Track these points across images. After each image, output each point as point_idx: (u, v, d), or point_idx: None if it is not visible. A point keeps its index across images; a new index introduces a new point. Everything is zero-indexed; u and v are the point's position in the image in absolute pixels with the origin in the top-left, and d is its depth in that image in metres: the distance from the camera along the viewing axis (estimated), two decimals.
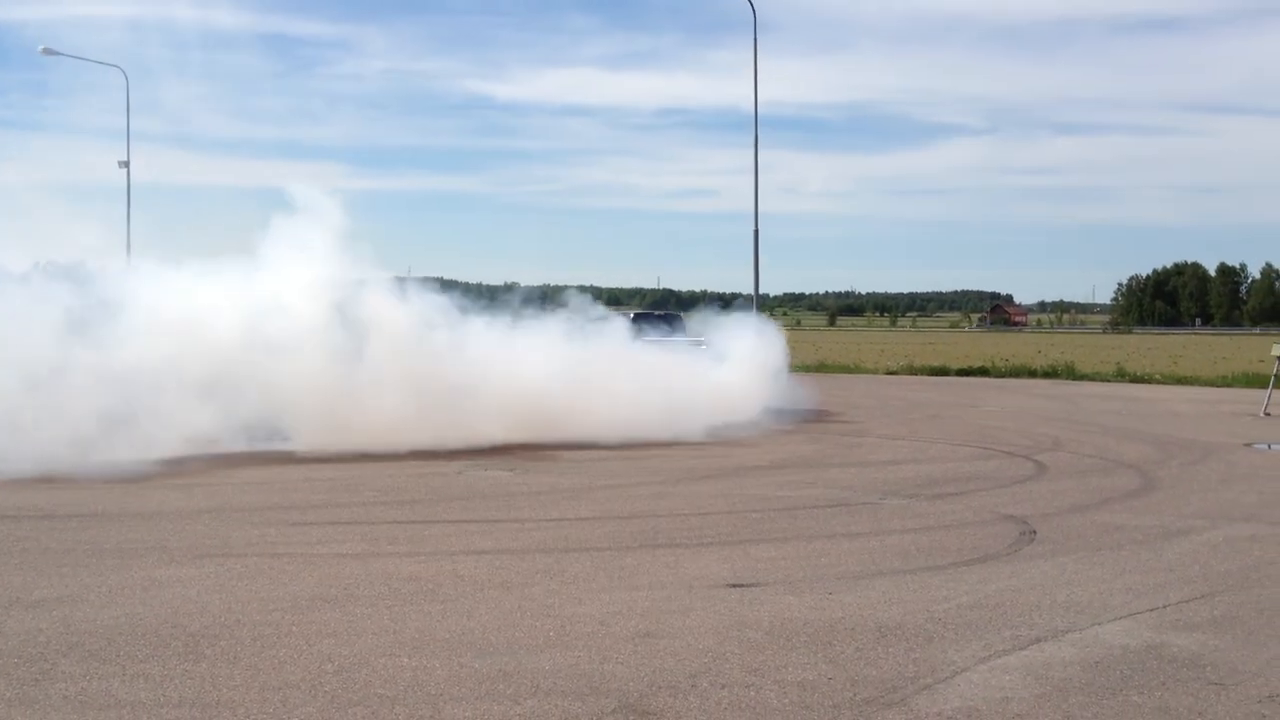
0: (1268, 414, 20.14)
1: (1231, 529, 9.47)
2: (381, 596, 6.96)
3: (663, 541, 8.80)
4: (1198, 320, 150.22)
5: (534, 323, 17.73)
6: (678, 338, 21.23)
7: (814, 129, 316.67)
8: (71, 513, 9.84)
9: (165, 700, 5.08)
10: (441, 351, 15.37)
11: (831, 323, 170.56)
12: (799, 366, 20.49)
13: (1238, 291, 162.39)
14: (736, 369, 18.47)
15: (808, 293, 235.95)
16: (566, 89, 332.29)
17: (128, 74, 41.09)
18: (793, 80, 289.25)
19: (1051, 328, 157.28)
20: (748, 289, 28.41)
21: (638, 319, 23.35)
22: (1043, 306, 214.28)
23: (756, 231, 28.27)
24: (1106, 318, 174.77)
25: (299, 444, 14.27)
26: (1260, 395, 21.78)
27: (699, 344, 20.03)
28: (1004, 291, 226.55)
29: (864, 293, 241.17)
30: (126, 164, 41.03)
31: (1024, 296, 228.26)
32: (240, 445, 14.34)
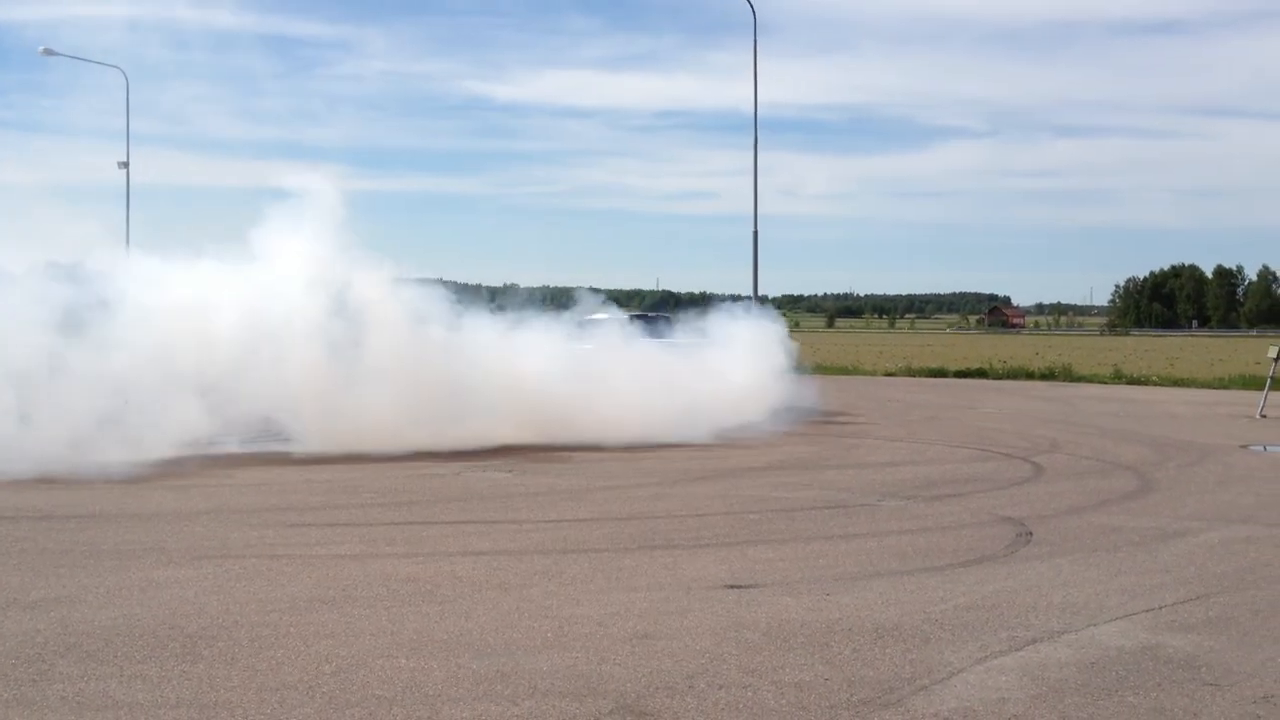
0: (1264, 416, 20.17)
1: (1228, 530, 9.49)
2: (379, 598, 6.97)
3: (660, 543, 8.81)
4: (1194, 322, 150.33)
5: (535, 322, 17.69)
6: (667, 339, 21.16)
7: (814, 131, 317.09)
8: (69, 514, 9.84)
9: (163, 701, 5.09)
10: (440, 350, 15.34)
11: (830, 324, 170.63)
12: (799, 368, 20.36)
13: (1235, 294, 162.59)
14: (739, 369, 18.42)
15: (806, 294, 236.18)
16: (566, 90, 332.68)
17: (127, 74, 41.11)
18: (793, 82, 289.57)
19: (1049, 329, 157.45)
20: (747, 291, 28.47)
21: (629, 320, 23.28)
22: (1040, 308, 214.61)
23: (756, 233, 28.32)
24: (1104, 320, 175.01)
25: (296, 444, 14.29)
26: (1256, 397, 21.81)
27: (690, 345, 19.97)
28: (1002, 293, 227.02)
29: (862, 294, 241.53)
30: (126, 164, 41.05)
31: (1022, 298, 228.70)
32: (238, 446, 14.37)
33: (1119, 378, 31.19)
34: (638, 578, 7.56)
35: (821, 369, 35.36)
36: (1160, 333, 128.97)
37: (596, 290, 22.39)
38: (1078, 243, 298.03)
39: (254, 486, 11.56)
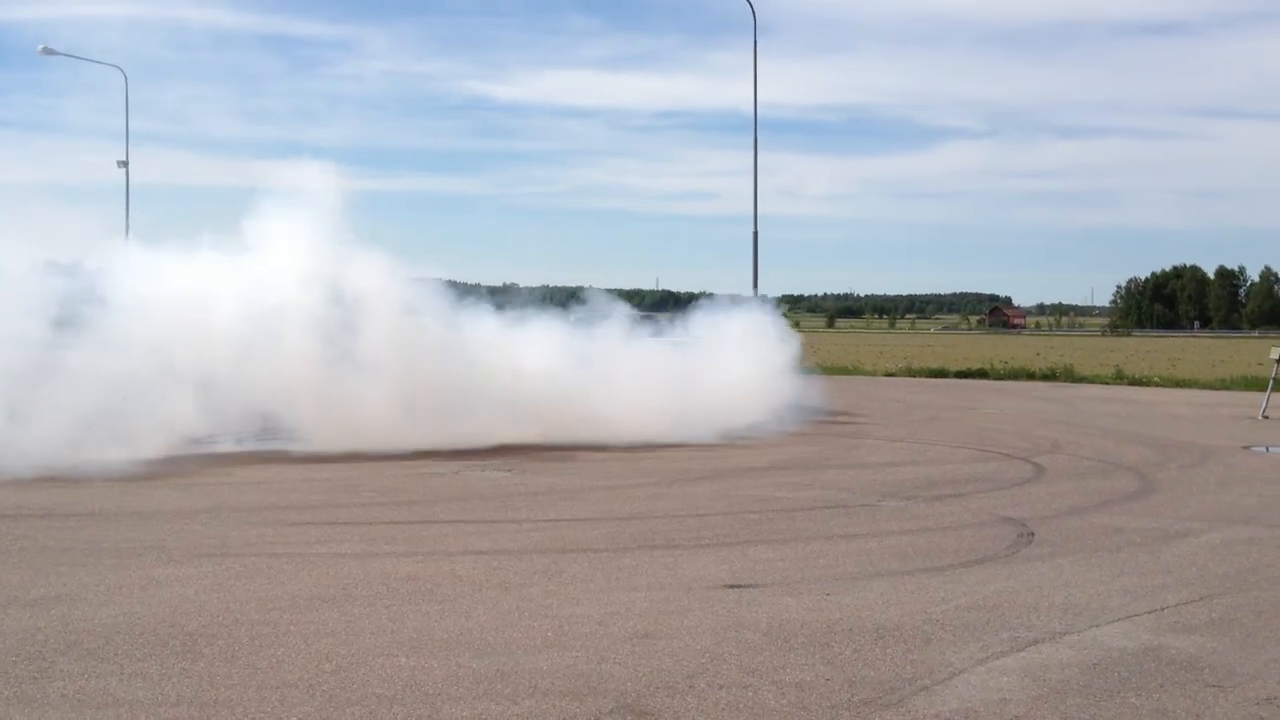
0: (1266, 417, 20.15)
1: (1230, 531, 9.47)
2: (379, 596, 6.96)
3: (660, 542, 8.80)
4: (1196, 323, 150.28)
5: (536, 321, 17.64)
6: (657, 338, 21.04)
7: (814, 131, 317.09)
8: (69, 512, 9.84)
9: (163, 699, 5.08)
10: (440, 345, 15.30)
11: (830, 325, 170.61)
12: (803, 367, 20.29)
13: (1236, 295, 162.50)
14: (739, 369, 18.37)
15: (807, 295, 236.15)
16: (566, 90, 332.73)
17: (127, 73, 41.14)
18: (793, 82, 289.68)
19: (1050, 330, 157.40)
20: (747, 291, 28.45)
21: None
22: (1041, 309, 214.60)
23: (756, 234, 28.33)
24: (1105, 320, 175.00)
25: (294, 440, 14.29)
26: (1259, 398, 21.79)
27: (680, 344, 19.86)
28: (1003, 294, 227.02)
29: (863, 295, 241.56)
30: (126, 164, 41.08)
31: (1023, 299, 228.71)
32: (238, 444, 14.36)
33: (1120, 378, 31.17)
34: (638, 577, 7.55)
35: (822, 369, 35.37)
36: (1162, 333, 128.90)
37: (598, 291, 22.29)
38: (1078, 243, 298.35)
39: (254, 485, 11.56)
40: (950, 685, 5.39)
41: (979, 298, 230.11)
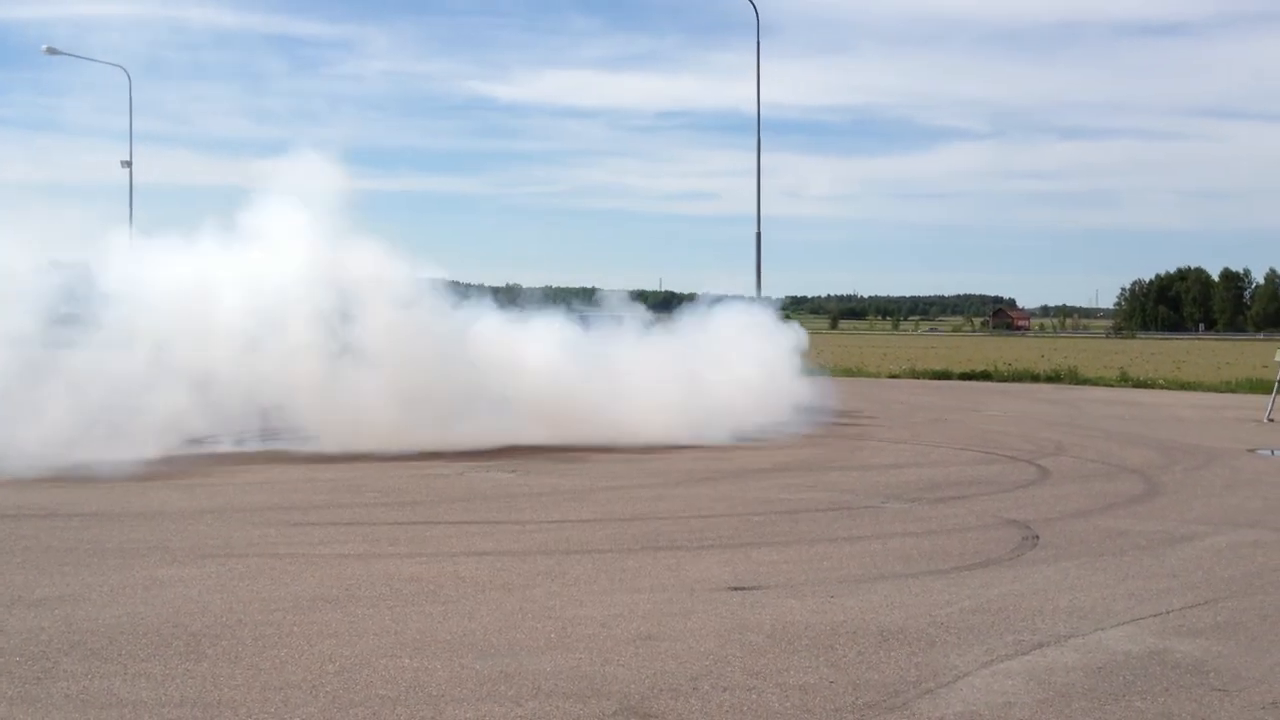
0: (1271, 420, 20.12)
1: (1235, 535, 9.45)
2: (383, 597, 6.96)
3: (664, 544, 8.79)
4: (1201, 325, 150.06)
5: (541, 320, 17.59)
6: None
7: (816, 132, 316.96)
8: (73, 512, 9.84)
9: (166, 699, 5.08)
10: (442, 341, 15.26)
11: (833, 326, 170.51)
12: (810, 368, 20.24)
13: (1241, 297, 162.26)
14: (743, 372, 18.31)
15: (810, 296, 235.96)
16: (567, 90, 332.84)
17: (130, 73, 41.20)
18: (795, 83, 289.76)
19: (1054, 332, 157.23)
20: (750, 292, 28.45)
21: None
22: (1046, 311, 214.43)
23: (759, 234, 28.32)
24: (1109, 322, 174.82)
25: (297, 440, 14.28)
26: (1264, 401, 21.75)
27: (688, 345, 19.76)
28: (1007, 295, 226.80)
29: (866, 296, 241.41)
30: (129, 163, 41.13)
31: (1027, 300, 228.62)
32: (239, 444, 14.37)
33: (1125, 381, 31.14)
34: (641, 579, 7.54)
35: (828, 370, 35.35)
36: (1166, 336, 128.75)
37: (599, 291, 22.23)
38: (1082, 245, 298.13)
39: (257, 485, 11.56)
40: (954, 688, 5.37)
41: (983, 299, 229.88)
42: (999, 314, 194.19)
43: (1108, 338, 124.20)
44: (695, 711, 5.02)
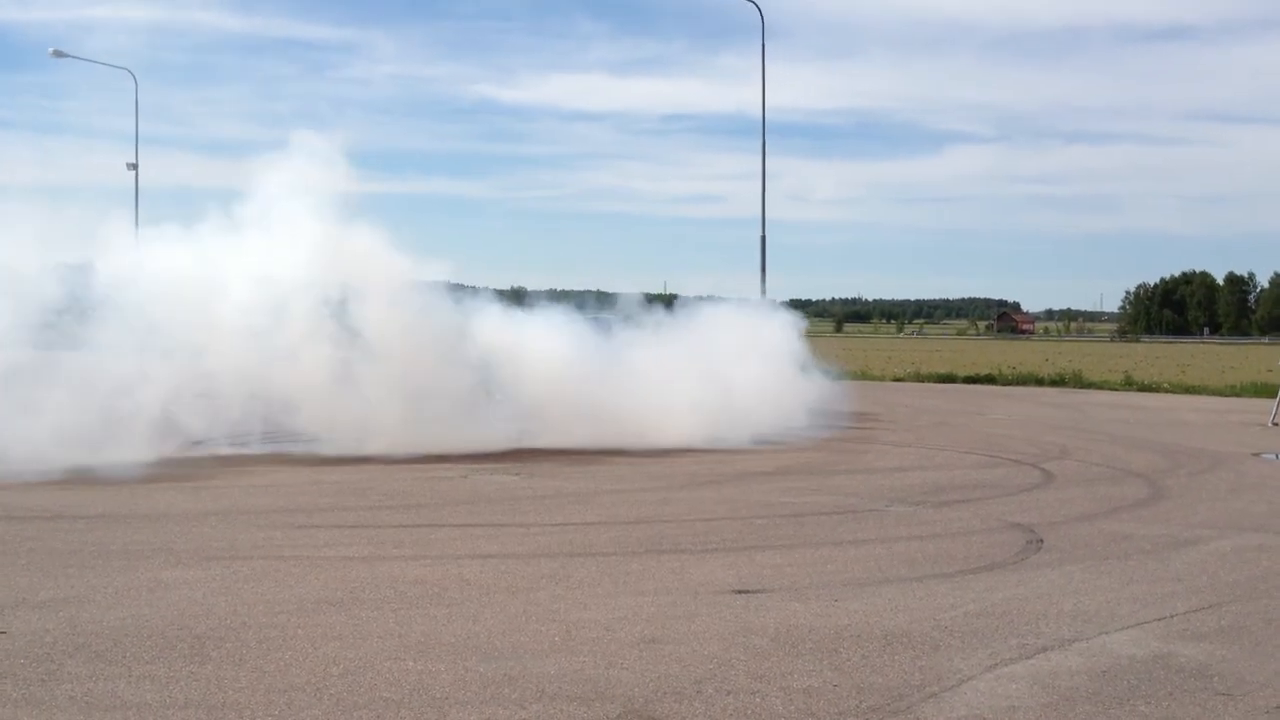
0: (1276, 424, 20.08)
1: (1240, 539, 9.44)
2: (387, 600, 6.96)
3: (668, 547, 8.79)
4: (1205, 329, 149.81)
5: (545, 322, 17.54)
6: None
7: (821, 136, 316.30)
8: (78, 514, 9.86)
9: (171, 702, 5.08)
10: (449, 342, 15.25)
11: (838, 329, 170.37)
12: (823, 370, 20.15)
13: (1246, 301, 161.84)
14: (748, 377, 18.25)
15: (814, 299, 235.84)
16: (574, 94, 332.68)
17: (136, 76, 41.30)
18: (800, 87, 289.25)
19: (1059, 336, 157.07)
20: (755, 295, 28.42)
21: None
22: (1050, 314, 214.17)
23: (764, 237, 28.33)
24: (1114, 326, 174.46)
25: (300, 441, 14.28)
26: (1269, 405, 21.71)
27: (696, 346, 19.67)
28: (1011, 299, 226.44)
29: (870, 299, 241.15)
30: (135, 166, 41.21)
31: (1031, 304, 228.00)
32: (244, 446, 14.38)
33: (1130, 384, 31.11)
34: (645, 582, 7.55)
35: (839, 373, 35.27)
36: (1171, 340, 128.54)
37: (605, 294, 22.21)
38: (1087, 249, 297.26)
39: (262, 488, 11.57)
40: (959, 692, 5.37)
41: (987, 303, 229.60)
42: (1003, 317, 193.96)
43: (1112, 341, 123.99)
44: (699, 715, 5.02)
